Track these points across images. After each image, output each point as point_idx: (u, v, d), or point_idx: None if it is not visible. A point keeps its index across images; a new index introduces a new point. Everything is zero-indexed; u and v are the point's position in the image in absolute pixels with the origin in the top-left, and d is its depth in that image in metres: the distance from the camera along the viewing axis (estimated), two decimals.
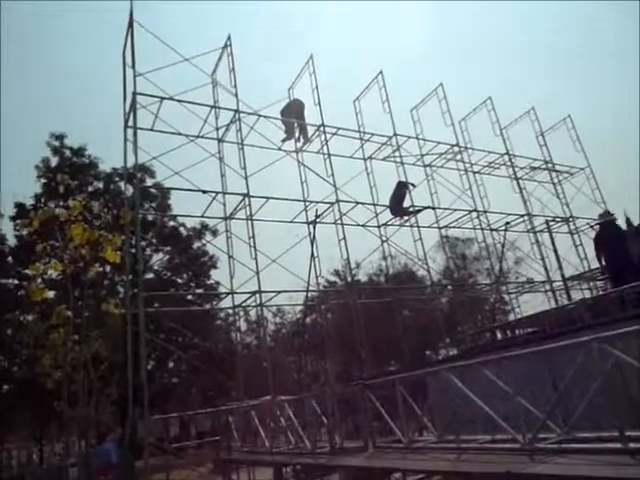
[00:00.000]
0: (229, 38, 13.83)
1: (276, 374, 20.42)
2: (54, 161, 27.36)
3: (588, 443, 3.80)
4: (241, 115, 13.44)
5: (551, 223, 17.86)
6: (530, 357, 5.21)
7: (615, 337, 3.72)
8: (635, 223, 18.48)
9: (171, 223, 29.71)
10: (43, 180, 26.03)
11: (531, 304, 20.36)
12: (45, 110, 72.34)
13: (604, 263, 10.12)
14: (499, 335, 13.13)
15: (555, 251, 16.18)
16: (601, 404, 3.97)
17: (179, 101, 12.40)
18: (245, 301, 12.54)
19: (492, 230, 17.60)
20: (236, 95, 13.40)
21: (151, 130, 12.69)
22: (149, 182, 25.98)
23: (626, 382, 5.01)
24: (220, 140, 13.90)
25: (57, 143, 27.54)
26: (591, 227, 14.92)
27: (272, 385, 11.26)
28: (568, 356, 4.25)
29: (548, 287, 17.61)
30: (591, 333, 4.01)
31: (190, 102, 12.69)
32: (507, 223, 17.39)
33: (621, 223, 12.05)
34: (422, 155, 17.38)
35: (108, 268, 26.96)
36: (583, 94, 75.36)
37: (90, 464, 10.95)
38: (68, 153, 27.83)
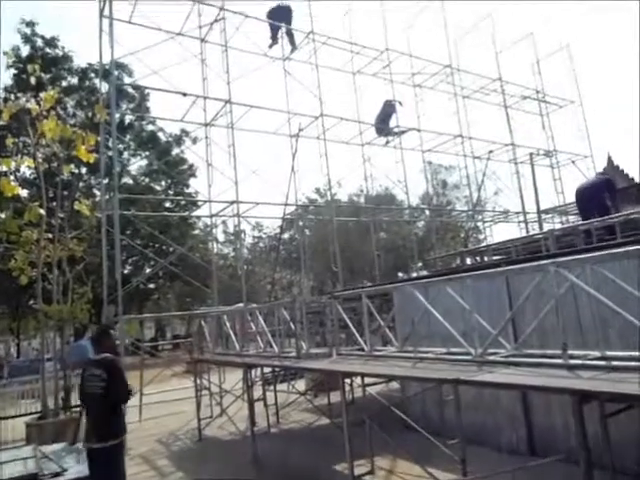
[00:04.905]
0: None
1: (251, 285, 20.94)
2: (25, 50, 25.64)
3: (534, 358, 4.06)
4: (226, 14, 12.62)
5: (533, 156, 17.90)
6: (492, 278, 5.43)
7: (572, 263, 3.87)
8: (616, 162, 18.66)
9: (150, 127, 28.74)
10: (14, 71, 24.52)
11: (505, 234, 20.89)
12: None
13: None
14: (469, 261, 13.53)
15: (534, 183, 16.37)
16: (551, 325, 4.21)
17: None
18: (222, 210, 12.53)
19: (475, 158, 17.56)
20: None
21: (129, 22, 11.86)
22: (127, 81, 24.72)
23: (577, 306, 5.31)
24: (203, 40, 13.12)
25: (28, 30, 25.64)
26: None
27: (245, 294, 11.60)
28: (527, 279, 4.44)
29: (522, 218, 18.00)
30: None
31: None
32: (490, 151, 17.37)
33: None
34: (413, 74, 16.81)
35: (84, 170, 26.34)
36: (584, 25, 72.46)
37: (66, 359, 11.34)
38: (40, 42, 26.02)
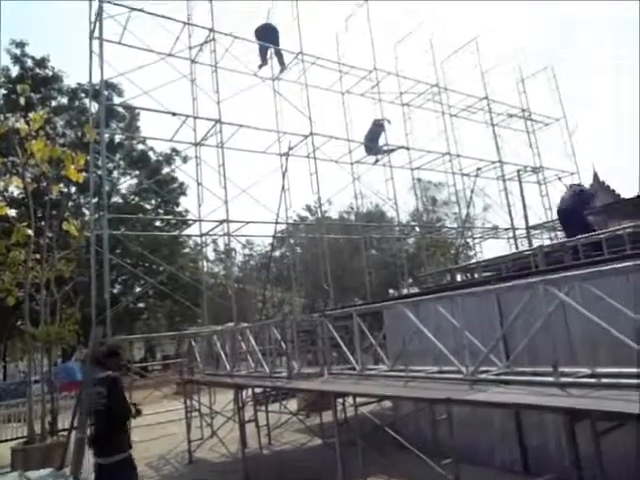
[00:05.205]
0: None
1: (242, 303, 20.82)
2: (15, 71, 25.67)
3: (525, 376, 4.06)
4: (216, 36, 12.76)
5: (521, 172, 18.16)
6: (482, 296, 5.45)
7: (561, 280, 3.91)
8: (602, 179, 18.97)
9: (140, 146, 28.76)
10: (3, 91, 24.49)
11: (494, 250, 21.06)
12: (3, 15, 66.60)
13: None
14: (459, 277, 13.58)
15: (522, 200, 16.58)
16: (541, 342, 4.22)
17: (150, 14, 11.64)
18: (213, 229, 12.51)
19: (463, 175, 17.76)
20: (211, 12, 12.64)
21: (119, 44, 11.95)
22: (117, 101, 24.80)
23: (567, 323, 5.34)
24: (193, 61, 13.24)
25: (18, 51, 25.70)
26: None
27: (236, 313, 11.52)
28: (517, 296, 4.47)
29: (511, 234, 18.15)
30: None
31: (162, 16, 11.93)
32: (478, 169, 17.58)
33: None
34: (401, 93, 17.06)
35: (73, 189, 26.23)
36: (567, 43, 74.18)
37: (53, 381, 11.15)
38: (30, 63, 26.07)
